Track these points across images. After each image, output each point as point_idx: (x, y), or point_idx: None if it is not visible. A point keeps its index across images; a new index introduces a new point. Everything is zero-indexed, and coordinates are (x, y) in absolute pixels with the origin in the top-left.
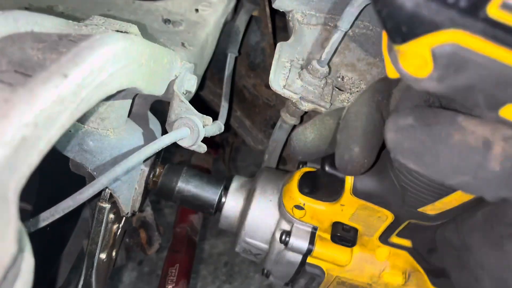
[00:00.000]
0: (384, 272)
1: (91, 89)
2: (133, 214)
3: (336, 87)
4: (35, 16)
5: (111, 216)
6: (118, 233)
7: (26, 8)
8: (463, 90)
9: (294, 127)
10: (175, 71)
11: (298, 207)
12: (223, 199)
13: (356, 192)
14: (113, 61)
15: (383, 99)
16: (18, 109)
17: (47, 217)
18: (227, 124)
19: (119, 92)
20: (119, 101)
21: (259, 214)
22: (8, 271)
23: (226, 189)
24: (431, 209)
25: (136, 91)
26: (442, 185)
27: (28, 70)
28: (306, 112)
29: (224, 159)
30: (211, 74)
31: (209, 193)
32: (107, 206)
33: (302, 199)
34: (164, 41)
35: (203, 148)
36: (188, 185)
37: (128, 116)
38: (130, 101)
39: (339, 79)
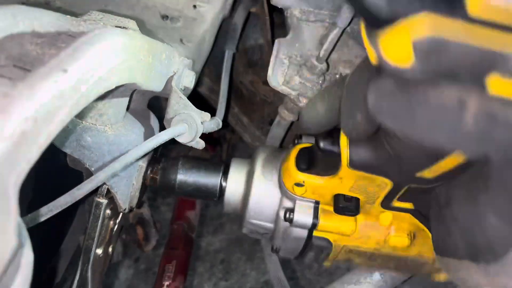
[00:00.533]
0: (389, 236)
1: (90, 84)
2: (131, 210)
3: None
4: (34, 11)
5: (108, 211)
6: (115, 229)
7: (23, 3)
8: (445, 75)
9: (291, 123)
10: (173, 67)
11: (298, 184)
12: (224, 184)
13: (352, 165)
14: (112, 57)
15: None
16: (18, 104)
17: (46, 212)
18: (224, 121)
19: (118, 87)
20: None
21: (261, 195)
22: (8, 266)
23: (225, 174)
24: (428, 173)
25: (135, 86)
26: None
27: (27, 65)
28: None
29: (221, 155)
30: (209, 70)
31: (210, 181)
32: (104, 201)
33: (301, 176)
34: (162, 37)
35: (201, 144)
36: (187, 178)
37: (126, 112)
38: (128, 97)
39: (337, 76)
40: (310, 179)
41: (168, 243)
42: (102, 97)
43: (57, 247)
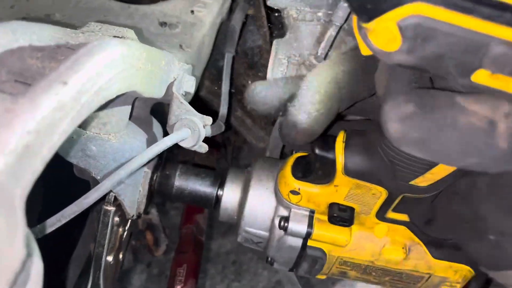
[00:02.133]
0: (384, 248)
1: (90, 95)
2: (139, 216)
3: None
4: (33, 26)
5: (116, 219)
6: (124, 235)
7: (24, 18)
8: (433, 59)
9: None
10: (173, 73)
11: (294, 192)
12: (220, 192)
13: (347, 172)
14: (111, 67)
15: (341, 73)
16: (20, 118)
17: (54, 222)
18: (227, 123)
19: (118, 96)
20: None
21: (257, 202)
22: (18, 276)
23: (222, 183)
24: (422, 181)
25: (136, 94)
26: None
27: (28, 79)
28: None
29: (226, 158)
30: (209, 74)
31: (207, 188)
32: (112, 209)
33: (297, 184)
34: (161, 44)
35: (204, 148)
36: (185, 183)
37: (129, 119)
38: (130, 105)
39: None
40: (306, 187)
41: (178, 247)
42: (104, 106)
43: (68, 256)
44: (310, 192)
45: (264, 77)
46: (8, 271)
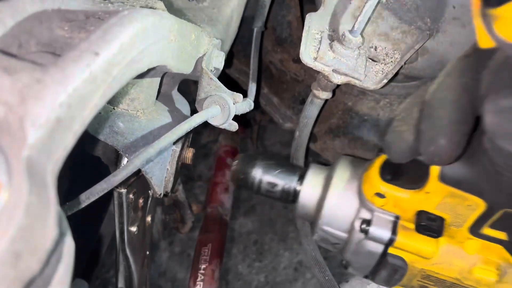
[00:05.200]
0: (475, 267)
1: (122, 67)
2: (166, 194)
3: (369, 58)
4: None
5: (131, 196)
6: (148, 204)
7: None
8: None
9: (325, 102)
10: (202, 48)
11: (379, 195)
12: (299, 187)
13: (444, 179)
14: (143, 38)
15: (471, 80)
16: (51, 90)
17: (83, 200)
18: (255, 102)
19: (149, 70)
20: (147, 81)
21: (337, 201)
22: (50, 255)
23: (302, 177)
24: None
25: (166, 69)
26: None
27: (57, 50)
28: (338, 86)
29: (252, 137)
30: (237, 51)
31: (286, 182)
32: (123, 191)
33: (384, 187)
34: (189, 18)
35: (234, 126)
36: (264, 175)
37: (157, 97)
38: (158, 80)
39: (372, 49)
40: (393, 191)
41: (203, 227)
42: (132, 82)
43: (96, 231)
44: (398, 196)
45: (294, 54)
46: (40, 251)
